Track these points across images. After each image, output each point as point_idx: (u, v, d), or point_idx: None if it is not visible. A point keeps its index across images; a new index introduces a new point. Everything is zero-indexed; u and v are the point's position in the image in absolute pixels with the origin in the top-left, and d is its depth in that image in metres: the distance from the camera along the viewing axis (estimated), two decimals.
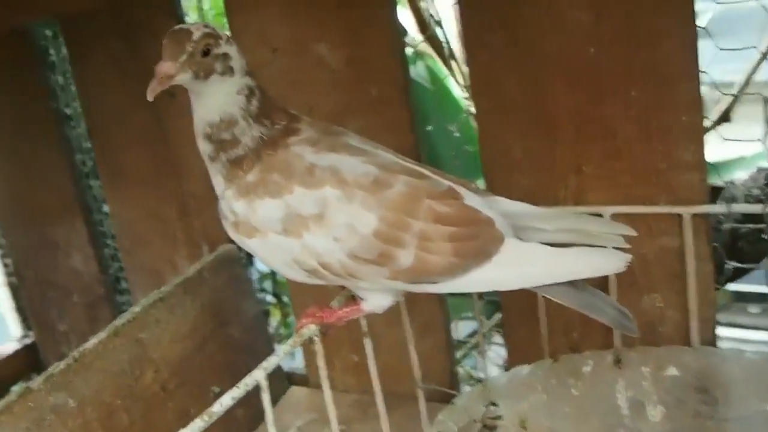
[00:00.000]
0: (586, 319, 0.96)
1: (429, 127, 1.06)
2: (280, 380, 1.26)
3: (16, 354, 1.58)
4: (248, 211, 0.70)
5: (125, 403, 0.95)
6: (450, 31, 1.12)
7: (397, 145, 0.91)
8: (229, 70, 0.69)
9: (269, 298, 1.66)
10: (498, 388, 0.89)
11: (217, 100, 0.70)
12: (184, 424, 0.64)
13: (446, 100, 1.27)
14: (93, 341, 0.93)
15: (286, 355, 0.74)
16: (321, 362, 0.77)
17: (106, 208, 1.42)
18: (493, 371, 1.16)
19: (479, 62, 0.94)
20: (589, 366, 0.90)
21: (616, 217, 0.90)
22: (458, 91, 1.15)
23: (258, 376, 0.69)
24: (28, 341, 1.61)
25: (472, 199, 0.71)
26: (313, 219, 0.68)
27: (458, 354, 1.27)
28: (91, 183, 1.42)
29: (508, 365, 1.06)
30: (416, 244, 0.68)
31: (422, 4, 1.15)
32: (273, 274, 1.57)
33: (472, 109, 0.98)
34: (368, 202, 0.68)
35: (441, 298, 1.10)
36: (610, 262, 0.70)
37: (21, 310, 1.63)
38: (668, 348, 0.89)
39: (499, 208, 0.73)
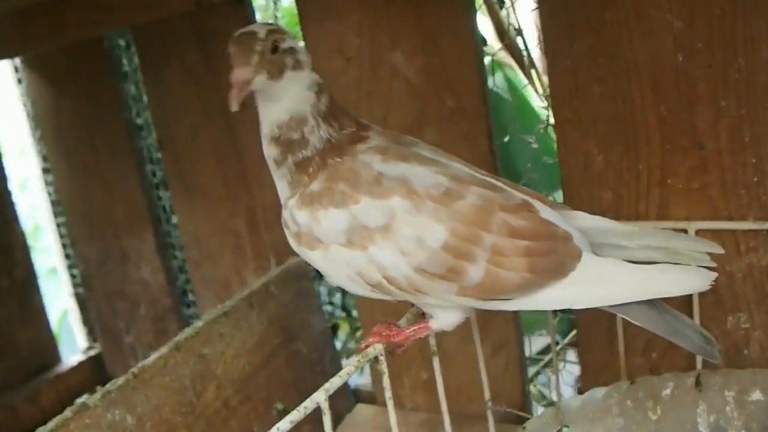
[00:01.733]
0: (668, 339, 0.93)
1: (506, 138, 1.03)
2: (346, 397, 1.23)
3: (81, 366, 1.58)
4: (311, 221, 0.68)
5: (186, 420, 0.93)
6: (530, 38, 1.09)
7: (473, 156, 0.89)
8: (299, 64, 0.68)
9: (338, 312, 1.64)
10: (571, 411, 0.85)
11: (289, 99, 0.68)
12: None
13: (524, 110, 1.23)
14: (154, 356, 0.92)
15: (349, 376, 0.70)
16: (386, 383, 0.74)
17: (174, 219, 1.41)
18: (566, 391, 1.11)
19: (560, 70, 0.90)
20: (669, 389, 0.85)
21: (701, 233, 0.86)
22: (537, 101, 1.12)
23: (319, 398, 0.65)
24: (93, 353, 1.61)
25: (548, 213, 0.68)
26: (379, 231, 0.66)
27: (530, 371, 1.22)
28: (161, 194, 1.42)
29: (582, 385, 1.01)
30: (488, 258, 0.65)
31: (502, 12, 1.12)
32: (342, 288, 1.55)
33: (552, 119, 0.94)
34: (438, 213, 0.65)
35: (515, 314, 1.06)
36: (694, 281, 0.66)
37: (87, 321, 1.64)
38: (753, 371, 0.83)
39: (577, 224, 0.70)
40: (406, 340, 0.75)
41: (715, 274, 0.66)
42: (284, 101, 0.68)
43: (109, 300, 1.54)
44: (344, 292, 1.57)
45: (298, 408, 0.65)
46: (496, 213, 0.66)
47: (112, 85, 1.37)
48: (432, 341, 0.81)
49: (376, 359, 0.73)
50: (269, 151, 0.71)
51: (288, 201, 0.70)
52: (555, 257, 0.65)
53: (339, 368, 1.26)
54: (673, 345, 0.91)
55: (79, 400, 0.86)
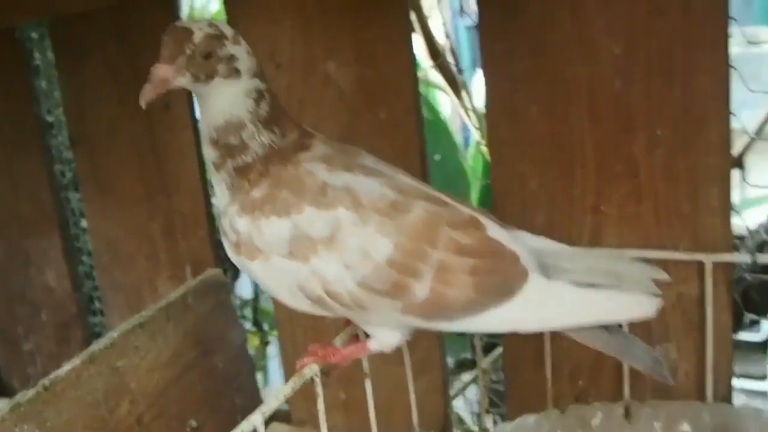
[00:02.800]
0: (594, 365, 0.92)
1: (437, 157, 1.01)
2: None
3: None
4: (252, 229, 0.64)
5: None
6: (462, 58, 1.08)
7: (406, 171, 0.86)
8: (234, 72, 0.64)
9: (248, 325, 1.60)
10: None
11: (222, 103, 0.65)
12: None
13: (441, 131, 1.22)
14: (66, 368, 0.86)
15: (286, 398, 0.67)
16: (321, 405, 0.71)
17: (84, 223, 1.34)
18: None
19: (499, 89, 0.89)
20: (598, 419, 0.85)
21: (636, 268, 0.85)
22: (468, 121, 1.11)
23: (256, 421, 0.62)
24: None
25: (495, 231, 0.66)
26: (323, 242, 0.63)
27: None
28: (70, 196, 1.35)
29: (508, 411, 1.00)
30: (433, 275, 0.62)
31: (433, 30, 1.11)
32: (255, 301, 1.51)
33: (482, 141, 0.93)
34: (384, 227, 0.62)
35: (439, 334, 1.04)
36: (641, 307, 0.65)
37: None
38: (682, 403, 0.84)
39: (524, 243, 0.68)
40: (342, 360, 0.72)
41: (661, 301, 0.65)
42: (217, 105, 0.65)
43: (8, 304, 1.45)
44: (256, 307, 1.53)
45: (234, 430, 0.61)
46: (443, 228, 0.63)
47: (23, 79, 1.30)
48: (365, 364, 0.79)
49: (312, 380, 0.70)
50: (208, 154, 0.68)
51: (228, 208, 0.67)
52: (502, 277, 0.63)
53: (255, 384, 1.22)
54: (600, 372, 0.92)
55: None
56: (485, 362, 1.10)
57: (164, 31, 0.64)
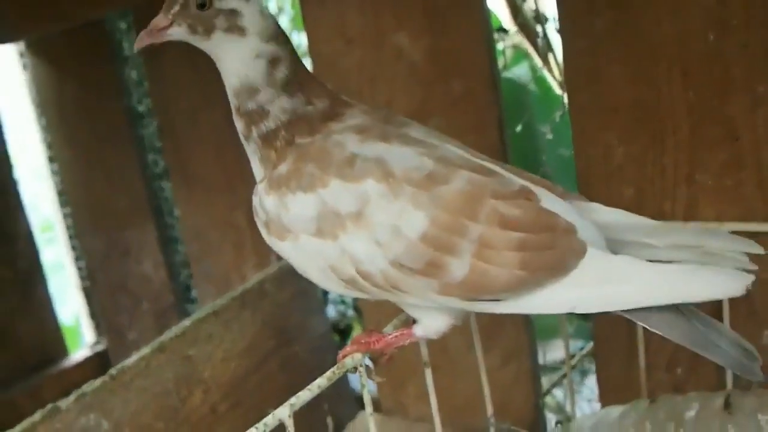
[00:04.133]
0: (694, 352, 0.83)
1: (518, 128, 0.94)
2: (350, 403, 1.16)
3: (87, 361, 1.53)
4: (279, 208, 0.60)
5: (168, 427, 0.87)
6: (546, 17, 1.00)
7: (483, 147, 0.80)
8: (236, 29, 0.61)
9: (350, 312, 1.56)
10: (584, 430, 0.75)
11: (232, 63, 0.62)
12: None
13: (548, 99, 1.14)
14: (134, 357, 0.85)
15: (321, 390, 0.63)
16: (366, 397, 0.66)
17: (177, 211, 1.34)
18: (585, 408, 1.02)
19: (577, 51, 0.81)
20: (694, 410, 0.75)
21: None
22: (556, 89, 1.03)
23: (282, 414, 0.58)
24: (99, 348, 1.55)
25: (551, 202, 0.59)
26: (351, 218, 0.58)
27: (545, 382, 1.14)
28: (163, 185, 1.35)
29: (601, 402, 0.92)
30: (474, 251, 0.56)
31: None
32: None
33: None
34: (418, 199, 0.57)
35: (527, 320, 0.97)
36: (725, 284, 0.56)
37: (94, 315, 1.58)
38: None
39: (592, 216, 0.61)
40: (386, 348, 0.67)
41: (752, 277, 0.56)
42: (227, 64, 0.63)
43: (112, 294, 1.49)
44: None
45: (257, 425, 0.57)
46: (486, 200, 0.57)
47: (114, 71, 1.31)
48: (423, 351, 0.73)
49: (355, 369, 0.66)
50: (237, 124, 0.65)
51: (257, 186, 0.63)
52: (554, 252, 0.56)
53: (345, 376, 1.19)
54: (701, 359, 0.83)
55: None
56: (579, 354, 1.01)
57: None
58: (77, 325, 1.93)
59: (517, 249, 0.56)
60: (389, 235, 0.57)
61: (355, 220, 0.58)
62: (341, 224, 0.58)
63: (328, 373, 0.63)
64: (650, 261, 0.58)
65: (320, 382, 0.62)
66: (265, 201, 0.62)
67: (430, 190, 0.57)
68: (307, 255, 0.60)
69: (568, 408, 1.05)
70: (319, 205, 0.59)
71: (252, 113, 0.63)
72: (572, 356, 0.93)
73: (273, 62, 0.62)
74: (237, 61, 0.62)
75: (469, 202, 0.57)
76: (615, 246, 0.60)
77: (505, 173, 0.60)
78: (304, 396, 0.60)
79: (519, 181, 0.60)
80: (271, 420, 0.57)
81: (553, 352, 1.18)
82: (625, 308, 0.57)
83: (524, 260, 0.56)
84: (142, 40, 0.61)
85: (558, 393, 1.17)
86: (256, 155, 0.64)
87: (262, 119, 0.62)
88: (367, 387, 0.66)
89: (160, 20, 0.61)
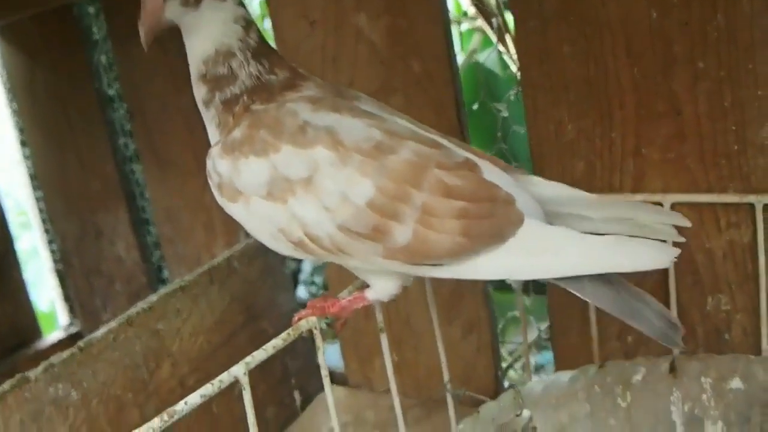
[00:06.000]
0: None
1: (475, 106, 0.97)
2: (317, 378, 1.18)
3: (62, 343, 1.54)
4: (232, 171, 0.63)
5: (137, 398, 0.89)
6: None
7: (441, 124, 0.83)
8: None
9: (322, 291, 1.59)
10: (533, 395, 0.79)
11: (212, 30, 0.64)
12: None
13: (503, 78, 1.16)
14: (102, 330, 0.87)
15: (276, 350, 0.65)
16: (321, 359, 0.69)
17: (148, 194, 1.36)
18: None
19: (528, 31, 0.84)
20: (640, 374, 0.79)
21: (678, 206, 0.79)
22: (513, 68, 1.05)
23: (237, 371, 0.60)
24: (73, 330, 1.57)
25: (494, 175, 0.62)
26: (300, 183, 0.60)
27: (511, 358, 1.17)
28: (134, 167, 1.37)
29: (556, 371, 0.95)
30: (417, 218, 0.59)
31: None
32: (324, 266, 1.50)
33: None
34: (365, 167, 0.60)
35: (486, 295, 1.00)
36: (652, 256, 0.59)
37: (68, 298, 1.60)
38: (734, 356, 0.77)
39: (532, 189, 0.64)
40: (341, 312, 0.70)
41: (678, 250, 0.59)
42: (206, 31, 0.65)
43: (87, 277, 1.50)
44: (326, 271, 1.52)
45: (212, 381, 0.60)
46: (431, 170, 0.60)
47: (84, 55, 1.33)
48: (379, 317, 0.76)
49: (310, 332, 0.69)
50: (198, 92, 0.67)
51: (211, 150, 0.66)
52: (492, 221, 0.59)
53: (312, 350, 1.21)
54: None
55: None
56: (535, 326, 1.05)
57: None
58: (53, 311, 1.94)
59: (459, 217, 0.59)
60: (337, 200, 0.60)
61: (304, 186, 0.60)
62: (291, 189, 0.61)
63: (283, 335, 0.66)
64: (585, 233, 0.61)
65: (275, 343, 0.65)
66: (218, 164, 0.64)
67: (378, 160, 0.60)
68: (258, 217, 0.63)
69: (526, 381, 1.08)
70: (270, 170, 0.61)
71: (220, 78, 0.65)
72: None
73: (247, 27, 0.65)
74: (218, 25, 0.64)
75: (414, 172, 0.59)
76: (553, 218, 0.64)
77: (451, 146, 0.63)
78: (259, 356, 0.63)
79: (463, 154, 0.63)
80: (226, 377, 0.60)
81: (517, 333, 1.21)
82: (558, 276, 0.60)
83: (465, 228, 0.59)
84: (146, 35, 0.63)
85: (519, 368, 1.20)
86: (214, 121, 0.66)
87: (229, 84, 0.65)
88: (322, 349, 0.69)
89: (152, 2, 0.62)
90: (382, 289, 0.67)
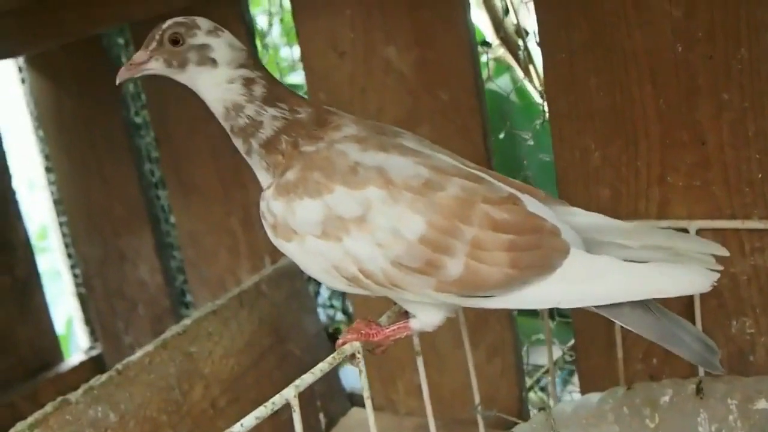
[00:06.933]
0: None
1: (501, 135, 0.99)
2: (341, 400, 1.20)
3: (82, 365, 1.56)
4: (287, 212, 0.65)
5: (171, 420, 0.91)
6: (528, 31, 1.05)
7: (468, 153, 0.85)
8: (208, 61, 0.67)
9: (339, 315, 1.60)
10: (564, 416, 0.81)
11: (211, 91, 0.68)
12: None
13: (528, 108, 1.19)
14: (139, 354, 0.89)
15: (323, 373, 0.67)
16: (364, 382, 0.71)
17: (173, 219, 1.39)
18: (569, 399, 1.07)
19: (556, 62, 0.87)
20: (668, 396, 0.81)
21: (703, 232, 0.82)
22: (536, 98, 1.08)
23: (288, 394, 0.62)
24: (94, 353, 1.59)
25: (536, 207, 0.65)
26: (354, 222, 0.63)
27: (531, 379, 1.18)
28: (159, 193, 1.40)
29: (582, 393, 0.97)
30: (468, 252, 0.62)
31: (497, 3, 1.09)
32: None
33: (547, 115, 0.91)
34: (416, 204, 0.62)
35: (511, 319, 1.02)
36: (693, 281, 0.63)
37: (89, 321, 1.62)
38: (759, 378, 0.79)
39: (572, 220, 0.67)
40: (384, 340, 0.72)
41: (717, 275, 0.63)
42: (207, 93, 0.69)
43: (108, 300, 1.53)
44: (345, 295, 1.54)
45: (265, 404, 0.62)
46: (478, 205, 0.63)
47: (111, 84, 1.35)
48: (416, 341, 0.78)
49: (353, 356, 0.71)
50: (236, 144, 0.70)
51: (265, 192, 0.68)
52: (540, 252, 0.62)
53: (336, 373, 1.23)
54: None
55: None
56: (563, 348, 1.07)
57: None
58: (68, 333, 1.96)
59: (507, 249, 0.62)
60: (390, 237, 0.62)
61: (358, 224, 0.63)
62: (345, 227, 0.63)
63: (329, 359, 0.68)
64: (626, 260, 0.64)
65: (322, 366, 0.67)
66: (272, 205, 0.66)
67: (427, 196, 0.63)
68: (313, 255, 0.65)
69: (551, 403, 1.10)
70: (324, 210, 0.64)
71: (246, 127, 0.68)
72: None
73: (247, 83, 0.68)
74: (214, 87, 0.68)
75: (463, 207, 0.62)
76: (592, 247, 0.66)
77: (494, 180, 0.66)
78: (307, 378, 0.65)
79: (506, 188, 0.66)
80: (278, 399, 0.62)
81: (536, 356, 1.23)
82: (604, 303, 0.62)
83: (513, 259, 0.61)
84: (122, 75, 0.68)
85: (542, 394, 1.22)
86: (262, 165, 0.69)
87: (258, 129, 0.68)
88: (364, 372, 0.70)
89: (139, 56, 0.67)
90: (427, 319, 0.70)
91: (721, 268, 0.65)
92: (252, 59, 0.69)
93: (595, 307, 0.63)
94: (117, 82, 0.69)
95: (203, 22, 0.68)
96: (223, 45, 0.68)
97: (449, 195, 0.63)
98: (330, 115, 0.70)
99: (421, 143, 0.70)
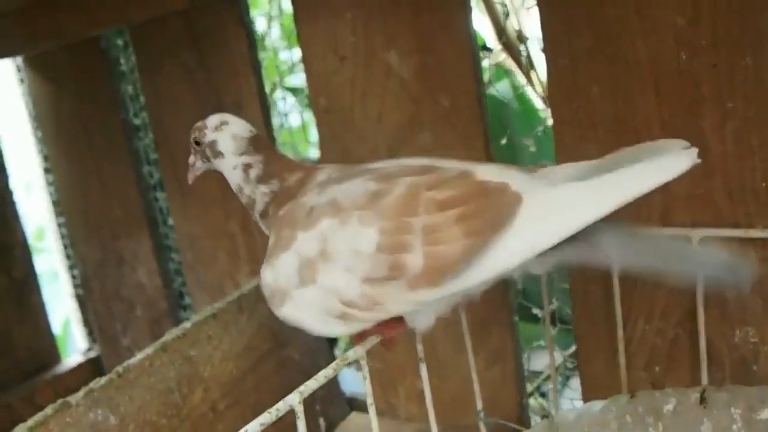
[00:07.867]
0: (670, 351, 0.88)
1: (503, 141, 0.99)
2: (341, 404, 1.20)
3: (80, 367, 1.56)
4: (273, 275, 0.69)
5: (171, 423, 0.91)
6: (530, 37, 1.05)
7: (469, 158, 0.85)
8: (218, 154, 0.78)
9: None
10: (566, 424, 0.81)
11: (227, 177, 0.79)
12: None
13: (529, 114, 1.19)
14: (139, 357, 0.89)
15: (327, 380, 0.68)
16: (368, 388, 0.71)
17: (171, 221, 1.38)
18: (569, 407, 1.07)
19: (559, 69, 0.86)
20: (671, 404, 0.80)
21: (706, 241, 0.81)
22: (538, 103, 1.08)
23: (292, 401, 0.62)
24: (92, 354, 1.59)
25: (487, 173, 0.65)
26: (319, 258, 0.66)
27: (532, 386, 1.18)
28: (158, 195, 1.40)
29: (584, 400, 0.97)
30: (423, 241, 0.63)
31: (499, 8, 1.09)
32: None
33: (550, 122, 0.90)
34: (365, 219, 0.65)
35: (512, 325, 1.02)
36: (672, 165, 0.62)
37: (87, 322, 1.61)
38: (762, 388, 0.78)
39: (552, 176, 0.67)
40: (400, 330, 0.73)
41: (696, 150, 0.62)
42: (227, 178, 0.79)
43: (106, 302, 1.52)
44: None
45: (269, 410, 0.62)
46: (422, 195, 0.64)
47: (110, 85, 1.35)
48: (419, 347, 0.78)
49: (357, 362, 0.71)
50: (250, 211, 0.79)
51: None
52: (489, 212, 0.62)
53: (335, 378, 1.23)
54: (677, 358, 0.88)
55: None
56: (563, 354, 1.07)
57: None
58: (65, 335, 1.96)
59: (458, 221, 0.62)
60: (353, 258, 0.64)
61: (323, 258, 0.65)
62: (314, 267, 0.66)
63: (333, 365, 0.69)
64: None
65: (326, 373, 0.67)
66: (264, 276, 0.71)
67: (373, 208, 0.65)
68: (304, 308, 0.68)
69: (552, 411, 1.10)
70: (296, 258, 0.67)
71: (248, 203, 0.78)
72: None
73: (246, 168, 0.77)
74: (227, 173, 0.79)
75: (408, 203, 0.64)
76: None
77: (449, 165, 0.67)
78: (311, 385, 0.65)
79: (460, 167, 0.67)
80: (282, 406, 0.62)
81: (535, 362, 1.22)
82: (577, 229, 0.61)
83: (466, 229, 0.62)
84: (189, 177, 0.83)
85: (542, 401, 1.22)
86: (267, 233, 0.76)
87: (254, 204, 0.77)
88: (368, 379, 0.71)
89: (191, 159, 0.81)
90: (421, 324, 0.71)
91: (695, 148, 0.63)
92: (254, 144, 0.77)
93: (576, 248, 0.63)
94: (189, 181, 0.83)
95: (210, 121, 0.78)
96: (227, 138, 0.77)
97: (394, 197, 0.65)
98: (316, 171, 0.75)
99: (407, 158, 0.73)
